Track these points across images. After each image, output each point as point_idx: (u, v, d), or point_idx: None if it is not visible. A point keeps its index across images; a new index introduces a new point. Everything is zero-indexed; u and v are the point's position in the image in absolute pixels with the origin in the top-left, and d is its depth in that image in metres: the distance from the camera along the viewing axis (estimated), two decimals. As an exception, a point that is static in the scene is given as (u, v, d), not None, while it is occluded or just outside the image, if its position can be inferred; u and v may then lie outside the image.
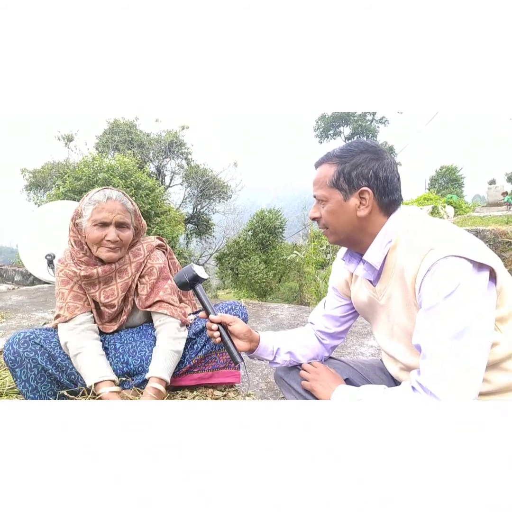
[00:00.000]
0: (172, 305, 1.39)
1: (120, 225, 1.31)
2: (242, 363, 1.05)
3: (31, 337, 1.24)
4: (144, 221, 1.46)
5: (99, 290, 1.35)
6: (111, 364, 1.32)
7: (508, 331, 0.85)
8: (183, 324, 1.41)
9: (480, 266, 0.80)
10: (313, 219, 1.04)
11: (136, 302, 1.40)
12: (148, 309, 1.38)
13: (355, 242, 1.00)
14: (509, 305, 0.85)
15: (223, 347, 1.19)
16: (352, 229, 0.97)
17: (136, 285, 1.40)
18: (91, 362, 1.24)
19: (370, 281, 1.02)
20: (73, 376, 1.28)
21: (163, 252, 1.53)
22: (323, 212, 1.00)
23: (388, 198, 0.95)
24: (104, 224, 1.28)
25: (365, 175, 0.94)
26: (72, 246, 1.34)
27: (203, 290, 1.12)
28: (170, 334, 1.34)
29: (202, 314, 1.10)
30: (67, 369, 1.27)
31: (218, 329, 1.07)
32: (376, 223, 0.96)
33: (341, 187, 0.95)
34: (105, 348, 1.35)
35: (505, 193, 14.33)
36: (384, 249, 0.94)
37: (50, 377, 1.25)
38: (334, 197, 0.97)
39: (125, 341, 1.39)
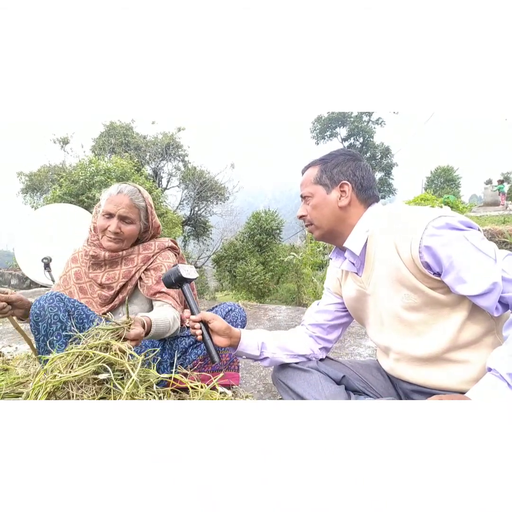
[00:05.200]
0: (175, 299, 1.47)
1: (123, 219, 1.40)
2: (219, 362, 1.12)
3: (57, 294, 1.26)
4: (157, 221, 1.54)
5: (103, 272, 1.44)
6: None
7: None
8: (180, 319, 1.46)
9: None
10: (300, 217, 1.14)
11: (142, 290, 1.46)
12: (151, 297, 1.45)
13: (337, 234, 1.09)
14: None
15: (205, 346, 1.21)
16: (334, 221, 1.07)
17: (140, 277, 1.46)
18: None
19: (357, 274, 1.09)
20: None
21: (175, 255, 1.60)
22: (309, 208, 1.10)
23: (365, 193, 1.07)
24: (110, 215, 1.39)
25: (344, 172, 1.07)
26: (91, 230, 1.50)
27: (190, 290, 1.19)
28: (170, 312, 1.37)
29: (187, 313, 1.17)
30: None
31: (200, 328, 1.14)
32: (355, 215, 1.06)
33: (324, 182, 1.08)
34: None
35: (500, 181, 14.50)
36: (363, 236, 1.03)
37: (66, 338, 1.24)
38: (318, 191, 1.09)
39: None
